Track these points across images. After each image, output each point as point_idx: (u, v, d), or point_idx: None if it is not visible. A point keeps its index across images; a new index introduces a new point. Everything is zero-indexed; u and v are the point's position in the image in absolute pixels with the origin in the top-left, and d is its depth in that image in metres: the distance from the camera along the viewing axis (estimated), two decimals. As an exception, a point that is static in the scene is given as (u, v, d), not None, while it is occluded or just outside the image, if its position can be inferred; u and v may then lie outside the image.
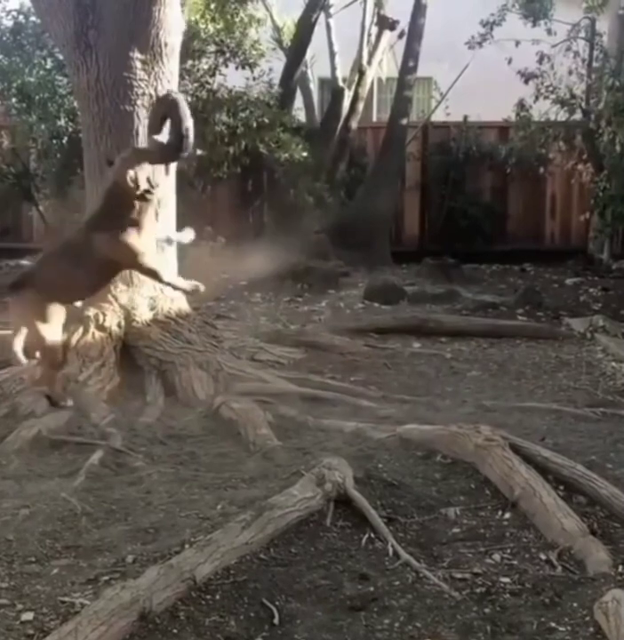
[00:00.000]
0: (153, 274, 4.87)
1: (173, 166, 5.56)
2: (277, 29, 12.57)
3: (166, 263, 5.54)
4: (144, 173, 4.45)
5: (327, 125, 11.63)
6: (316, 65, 12.66)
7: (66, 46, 5.57)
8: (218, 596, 2.85)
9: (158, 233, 4.91)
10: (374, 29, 11.64)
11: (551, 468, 3.63)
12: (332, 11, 12.00)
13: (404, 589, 2.94)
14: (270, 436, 4.47)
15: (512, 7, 11.56)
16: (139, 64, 5.29)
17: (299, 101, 12.16)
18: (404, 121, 11.62)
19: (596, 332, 7.37)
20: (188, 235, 5.17)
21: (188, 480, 3.90)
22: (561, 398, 5.49)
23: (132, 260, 4.70)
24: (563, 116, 10.90)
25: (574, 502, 3.45)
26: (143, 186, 4.43)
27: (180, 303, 5.61)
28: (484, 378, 6.11)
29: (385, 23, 11.55)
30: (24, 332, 4.71)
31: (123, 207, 4.53)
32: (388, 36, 11.72)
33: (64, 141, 9.96)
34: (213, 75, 10.37)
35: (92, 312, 5.33)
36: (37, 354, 4.83)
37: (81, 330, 5.30)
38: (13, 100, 10.29)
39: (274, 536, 3.16)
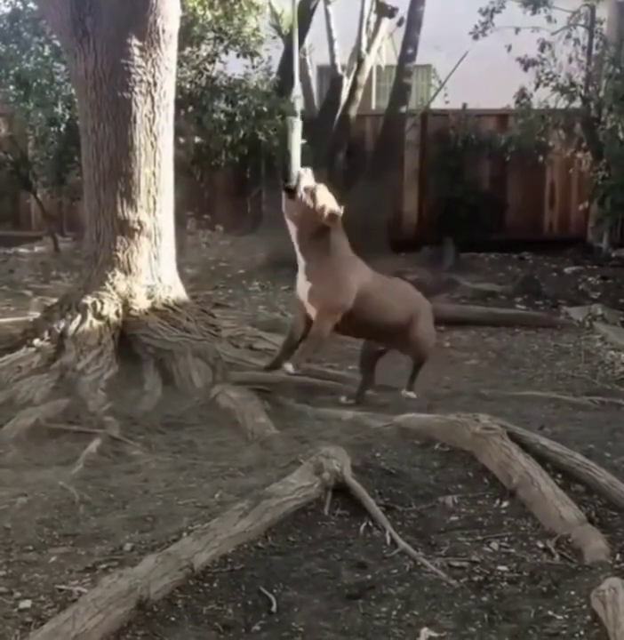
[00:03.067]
0: None
1: (171, 154, 5.57)
2: (276, 16, 12.52)
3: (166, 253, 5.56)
4: None
5: (326, 113, 11.60)
6: (314, 52, 12.60)
7: (63, 33, 5.54)
8: (215, 585, 2.86)
9: None
10: (373, 17, 11.58)
11: (549, 457, 3.62)
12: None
13: (401, 577, 2.95)
14: (268, 424, 4.47)
15: (512, -6, 11.51)
16: (136, 51, 5.26)
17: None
18: (403, 109, 11.57)
19: (594, 320, 7.38)
20: None
21: (186, 468, 3.90)
22: (559, 387, 5.50)
23: None
24: (562, 103, 10.86)
25: (572, 491, 3.45)
26: None
27: (178, 292, 5.61)
28: (483, 366, 6.12)
29: (384, 10, 11.49)
30: None
31: None
32: (387, 23, 11.67)
33: (62, 129, 9.90)
34: (212, 62, 10.33)
35: (89, 300, 5.33)
36: None
37: (79, 318, 5.29)
38: (11, 87, 10.24)
39: (271, 524, 3.15)
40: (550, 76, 10.78)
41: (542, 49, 10.72)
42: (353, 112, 11.42)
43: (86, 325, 5.27)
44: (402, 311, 4.96)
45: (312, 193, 4.65)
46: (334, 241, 4.70)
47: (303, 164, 5.14)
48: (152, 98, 5.35)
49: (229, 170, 11.24)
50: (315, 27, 11.58)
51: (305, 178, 4.68)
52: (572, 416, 4.66)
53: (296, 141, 4.98)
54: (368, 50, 11.49)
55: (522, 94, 11.03)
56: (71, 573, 2.94)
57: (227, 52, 10.38)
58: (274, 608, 2.76)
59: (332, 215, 4.64)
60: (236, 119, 10.03)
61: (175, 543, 2.97)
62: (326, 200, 4.67)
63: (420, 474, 3.62)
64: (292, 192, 4.63)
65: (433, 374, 5.80)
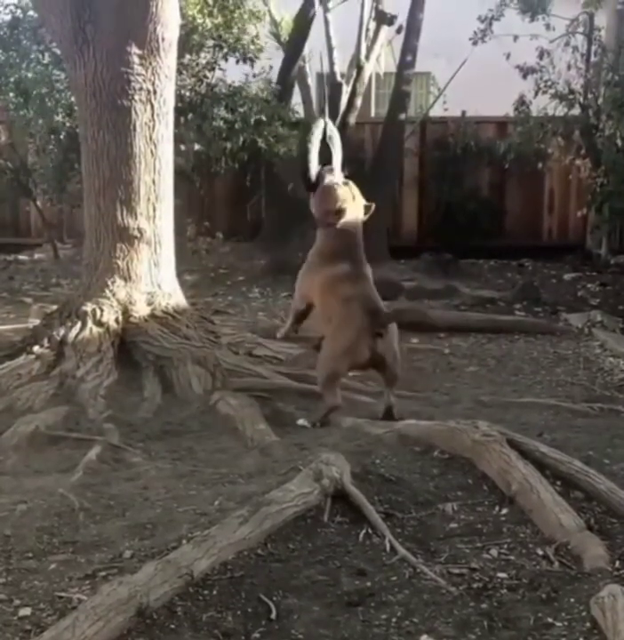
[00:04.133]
0: None
1: (170, 162, 5.58)
2: (275, 24, 12.55)
3: (165, 260, 5.57)
4: None
5: (325, 121, 11.61)
6: (313, 60, 12.63)
7: (63, 41, 5.56)
8: (215, 592, 2.85)
9: None
10: (372, 24, 11.61)
11: (549, 464, 3.63)
12: (330, 5, 11.96)
13: (401, 585, 2.95)
14: (268, 431, 4.47)
15: (510, 2, 11.55)
16: (136, 59, 5.27)
17: (297, 97, 12.14)
18: (403, 116, 11.61)
19: (593, 327, 7.38)
20: None
21: (186, 475, 3.90)
22: (559, 394, 5.49)
23: None
24: (561, 111, 10.90)
25: (571, 498, 3.45)
26: None
27: (177, 298, 5.61)
28: (482, 373, 6.12)
29: (383, 18, 11.51)
30: None
31: None
32: (386, 31, 11.69)
33: (61, 137, 9.94)
34: (212, 69, 10.35)
35: (89, 307, 5.33)
36: None
37: (79, 325, 5.29)
38: (11, 94, 10.27)
39: (271, 531, 3.15)
40: (549, 83, 10.82)
41: (541, 56, 10.76)
42: (352, 119, 11.43)
43: (86, 332, 5.27)
44: (323, 327, 4.83)
45: (324, 190, 4.81)
46: (323, 235, 4.86)
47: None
48: (152, 106, 5.36)
49: (229, 177, 11.26)
50: (314, 34, 11.61)
51: (328, 176, 4.83)
52: (572, 423, 4.66)
53: (316, 140, 5.08)
54: (367, 57, 11.51)
55: (521, 102, 11.07)
56: (71, 581, 2.94)
57: (226, 60, 10.41)
58: (273, 615, 2.76)
59: (324, 214, 4.80)
60: (236, 126, 10.05)
61: (175, 550, 2.97)
62: (337, 198, 4.78)
63: (420, 481, 3.62)
64: (311, 188, 4.86)
65: (433, 381, 5.81)
